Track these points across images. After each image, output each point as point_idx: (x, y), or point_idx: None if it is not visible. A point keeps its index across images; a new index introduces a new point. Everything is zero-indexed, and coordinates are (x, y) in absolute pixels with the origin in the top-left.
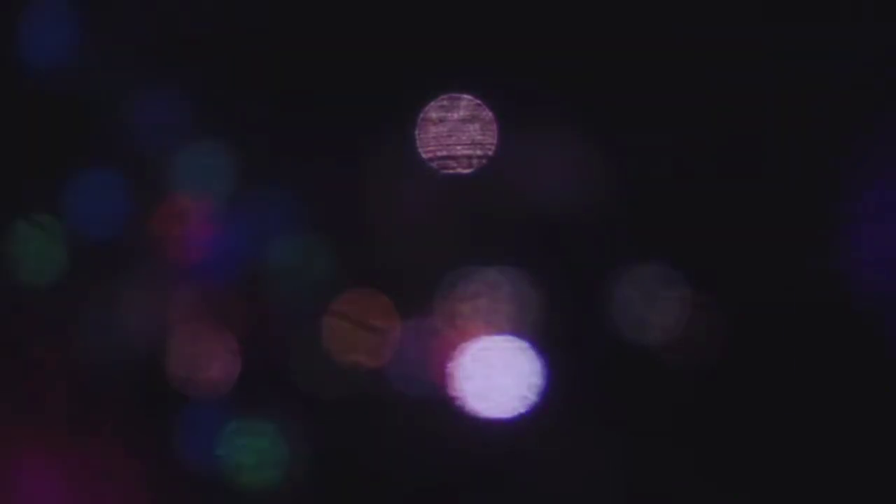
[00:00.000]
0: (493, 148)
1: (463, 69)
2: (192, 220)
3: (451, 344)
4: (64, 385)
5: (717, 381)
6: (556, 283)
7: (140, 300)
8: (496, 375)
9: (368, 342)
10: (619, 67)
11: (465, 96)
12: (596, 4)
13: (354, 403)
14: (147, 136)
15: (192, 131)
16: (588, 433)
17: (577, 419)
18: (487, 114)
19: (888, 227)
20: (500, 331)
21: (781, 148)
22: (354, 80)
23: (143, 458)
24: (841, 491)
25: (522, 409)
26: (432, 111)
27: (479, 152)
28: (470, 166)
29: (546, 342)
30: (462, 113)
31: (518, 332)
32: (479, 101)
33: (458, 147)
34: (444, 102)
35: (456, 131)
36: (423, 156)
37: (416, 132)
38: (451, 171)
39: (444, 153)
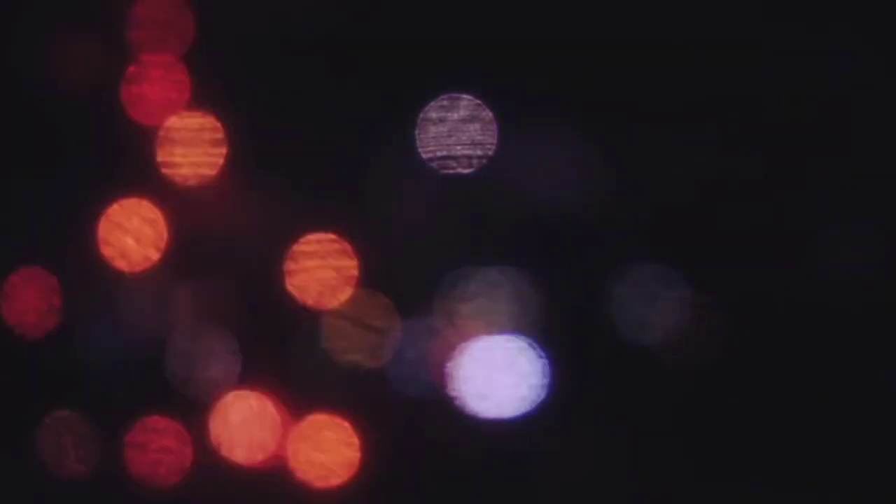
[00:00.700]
0: (493, 148)
1: (463, 69)
2: (192, 220)
3: (451, 344)
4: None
5: (717, 381)
6: (556, 283)
7: (140, 300)
8: (496, 375)
9: (368, 342)
10: (619, 67)
11: (465, 96)
12: (596, 4)
13: (354, 403)
14: (147, 136)
15: (193, 131)
16: (588, 433)
17: (578, 419)
18: (487, 114)
19: (887, 228)
20: (500, 331)
21: (781, 148)
22: (355, 80)
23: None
24: (841, 490)
25: (523, 409)
26: (432, 111)
27: (479, 152)
28: (470, 166)
29: (546, 342)
30: (462, 113)
31: (518, 332)
32: (479, 101)
33: (458, 147)
34: (444, 102)
35: (456, 131)
36: (423, 156)
37: (416, 132)
38: (451, 171)
39: (444, 153)
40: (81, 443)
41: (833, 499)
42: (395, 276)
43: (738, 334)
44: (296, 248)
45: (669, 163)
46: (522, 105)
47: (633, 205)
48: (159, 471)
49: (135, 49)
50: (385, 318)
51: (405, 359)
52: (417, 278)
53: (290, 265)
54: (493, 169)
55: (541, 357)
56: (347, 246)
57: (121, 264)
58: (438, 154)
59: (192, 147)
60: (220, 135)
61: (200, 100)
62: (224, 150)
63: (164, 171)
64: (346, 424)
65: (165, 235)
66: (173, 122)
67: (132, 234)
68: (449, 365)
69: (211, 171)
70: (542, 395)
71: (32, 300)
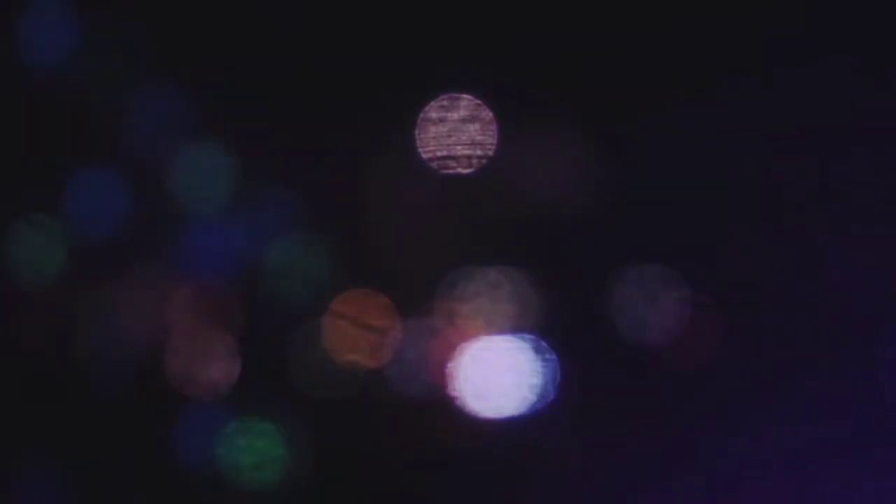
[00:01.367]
0: (493, 148)
1: (463, 69)
2: (192, 221)
3: (451, 344)
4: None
5: (718, 381)
6: (556, 283)
7: (140, 300)
8: (496, 375)
9: (368, 342)
10: (619, 67)
11: (465, 96)
12: (596, 4)
13: (354, 403)
14: (147, 136)
15: (193, 131)
16: (588, 433)
17: (578, 419)
18: (487, 114)
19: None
20: (500, 331)
21: (781, 148)
22: (355, 80)
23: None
24: (840, 490)
25: (523, 409)
26: (432, 111)
27: (479, 152)
28: (470, 166)
29: (546, 342)
30: (462, 113)
31: (518, 332)
32: (479, 101)
33: (458, 147)
34: (444, 102)
35: (456, 131)
36: (423, 156)
37: (416, 132)
38: (451, 171)
39: (444, 153)
40: (81, 443)
41: (833, 498)
42: (395, 276)
43: (738, 334)
44: (295, 247)
45: (669, 163)
46: (522, 105)
47: (633, 205)
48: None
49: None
50: (385, 318)
51: (405, 359)
52: (417, 278)
53: (289, 265)
54: (493, 169)
55: (540, 357)
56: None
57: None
58: (438, 154)
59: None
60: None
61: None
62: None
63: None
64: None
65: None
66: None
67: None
68: (449, 365)
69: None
70: (542, 395)
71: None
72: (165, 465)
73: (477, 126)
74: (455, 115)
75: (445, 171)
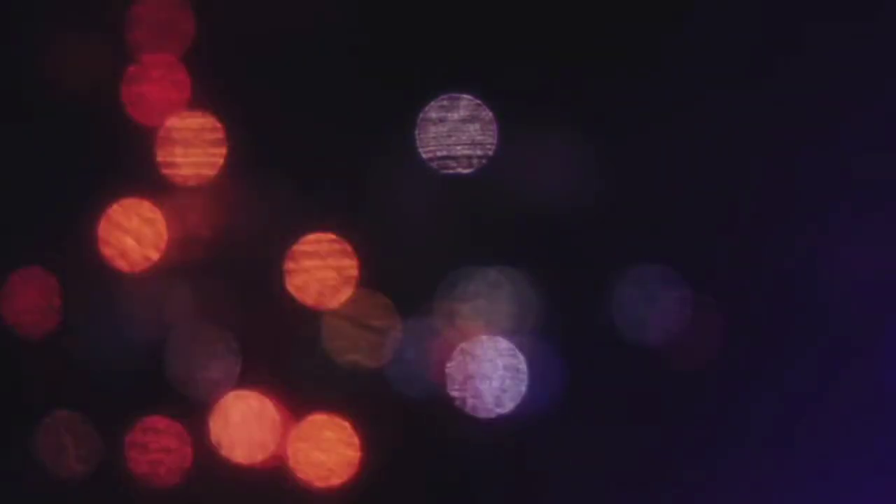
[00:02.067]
0: (493, 148)
1: (463, 69)
2: (192, 220)
3: (451, 344)
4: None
5: (717, 381)
6: (556, 283)
7: (140, 300)
8: (496, 375)
9: (368, 342)
10: (619, 67)
11: (465, 96)
12: (596, 5)
13: (354, 403)
14: (147, 136)
15: (193, 131)
16: (588, 433)
17: (578, 419)
18: (487, 114)
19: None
20: (500, 331)
21: (781, 148)
22: (355, 80)
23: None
24: (841, 490)
25: (522, 409)
26: (432, 111)
27: (479, 152)
28: (470, 166)
29: (546, 342)
30: (462, 113)
31: (518, 332)
32: (479, 101)
33: (458, 147)
34: (444, 102)
35: (456, 131)
36: (423, 156)
37: (416, 132)
38: (451, 171)
39: (444, 153)
40: (81, 443)
41: (833, 498)
42: (395, 276)
43: (738, 334)
44: (296, 248)
45: (669, 162)
46: (522, 105)
47: (633, 205)
48: (160, 471)
49: (135, 49)
50: (385, 318)
51: (405, 359)
52: (417, 278)
53: (290, 265)
54: (493, 169)
55: (541, 357)
56: (347, 246)
57: (121, 264)
58: (438, 154)
59: (192, 147)
60: (220, 135)
61: (200, 100)
62: (224, 151)
63: (164, 171)
64: (346, 424)
65: (165, 235)
66: (173, 122)
67: (132, 234)
68: (449, 365)
69: (211, 171)
70: (542, 395)
71: (32, 300)
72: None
73: (477, 126)
74: (455, 115)
75: (445, 171)
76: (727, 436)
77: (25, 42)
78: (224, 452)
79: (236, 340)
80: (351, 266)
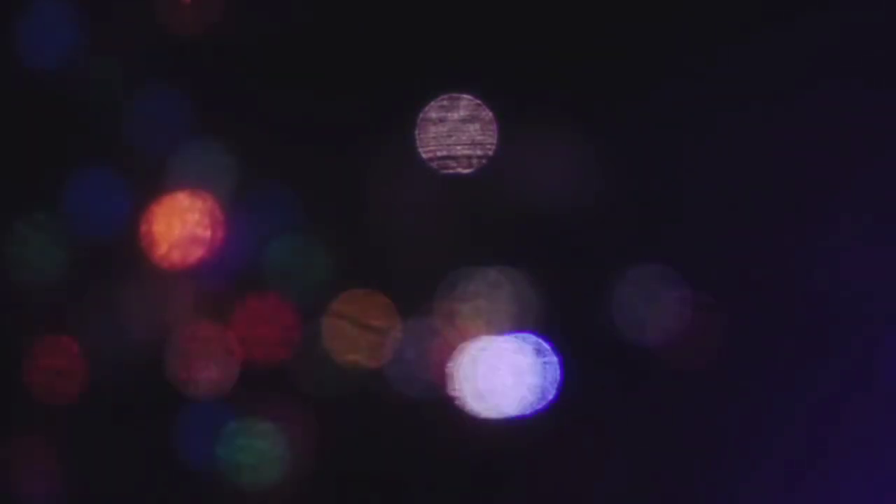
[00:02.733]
0: (493, 148)
1: (463, 69)
2: (192, 220)
3: (451, 344)
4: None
5: (717, 381)
6: (556, 283)
7: (140, 300)
8: (496, 375)
9: (368, 342)
10: (619, 67)
11: (465, 96)
12: (596, 4)
13: (354, 403)
14: (147, 136)
15: (193, 131)
16: (588, 433)
17: (578, 419)
18: (487, 114)
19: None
20: (500, 331)
21: (781, 148)
22: (355, 80)
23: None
24: (840, 490)
25: (523, 409)
26: (432, 111)
27: (479, 152)
28: (470, 166)
29: (546, 342)
30: (462, 113)
31: (518, 332)
32: (479, 101)
33: (458, 147)
34: (444, 102)
35: (456, 131)
36: (423, 156)
37: (416, 132)
38: (451, 171)
39: (444, 153)
40: (81, 442)
41: (833, 498)
42: (395, 276)
43: (738, 334)
44: (295, 247)
45: (669, 162)
46: (522, 105)
47: (634, 205)
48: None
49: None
50: (385, 318)
51: (405, 359)
52: (417, 278)
53: (289, 265)
54: (493, 169)
55: (541, 357)
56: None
57: (124, 263)
58: (438, 154)
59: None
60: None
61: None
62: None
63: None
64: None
65: (165, 235)
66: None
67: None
68: (449, 365)
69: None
70: (542, 395)
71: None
72: (165, 465)
73: (477, 126)
74: (455, 115)
75: (445, 171)
76: (727, 436)
77: (25, 42)
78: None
79: (236, 340)
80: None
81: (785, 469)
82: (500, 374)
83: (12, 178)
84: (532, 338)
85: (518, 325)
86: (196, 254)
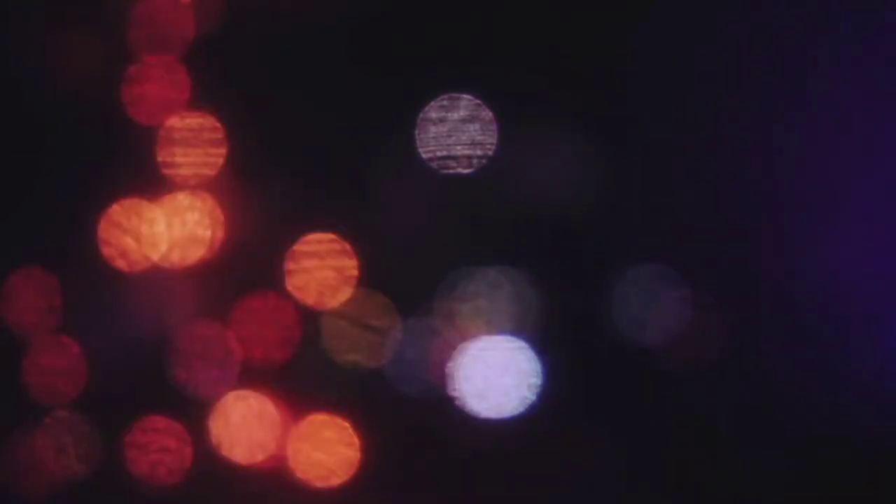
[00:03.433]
0: (493, 148)
1: (463, 69)
2: (192, 220)
3: (450, 344)
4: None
5: (717, 381)
6: (556, 283)
7: (140, 300)
8: (496, 375)
9: (368, 342)
10: (619, 67)
11: (465, 96)
12: (596, 4)
13: (354, 403)
14: (147, 136)
15: (193, 131)
16: (588, 433)
17: (578, 419)
18: (487, 114)
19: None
20: (500, 331)
21: (781, 147)
22: (355, 80)
23: (143, 458)
24: (840, 490)
25: (523, 409)
26: (432, 111)
27: (479, 152)
28: (470, 166)
29: (546, 342)
30: (462, 113)
31: (518, 332)
32: (479, 101)
33: (458, 147)
34: (444, 102)
35: (456, 131)
36: (423, 156)
37: (416, 132)
38: (451, 171)
39: (444, 153)
40: (81, 443)
41: (834, 498)
42: (395, 276)
43: (738, 334)
44: (296, 248)
45: (670, 162)
46: (522, 105)
47: (633, 205)
48: (160, 471)
49: (135, 49)
50: (385, 318)
51: (405, 359)
52: (417, 278)
53: (289, 265)
54: (493, 169)
55: (540, 357)
56: (347, 246)
57: (121, 264)
58: (438, 154)
59: (192, 147)
60: (220, 135)
61: (200, 100)
62: (224, 150)
63: (164, 171)
64: (346, 424)
65: (165, 235)
66: (173, 122)
67: (132, 234)
68: (449, 365)
69: (211, 171)
70: (542, 395)
71: (32, 300)
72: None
73: (477, 126)
74: (455, 115)
75: (445, 171)
76: (727, 436)
77: (25, 41)
78: (224, 452)
79: (236, 340)
80: (351, 266)
81: (785, 469)
82: (501, 373)
83: (12, 178)
84: (532, 338)
85: (518, 325)
86: (196, 254)
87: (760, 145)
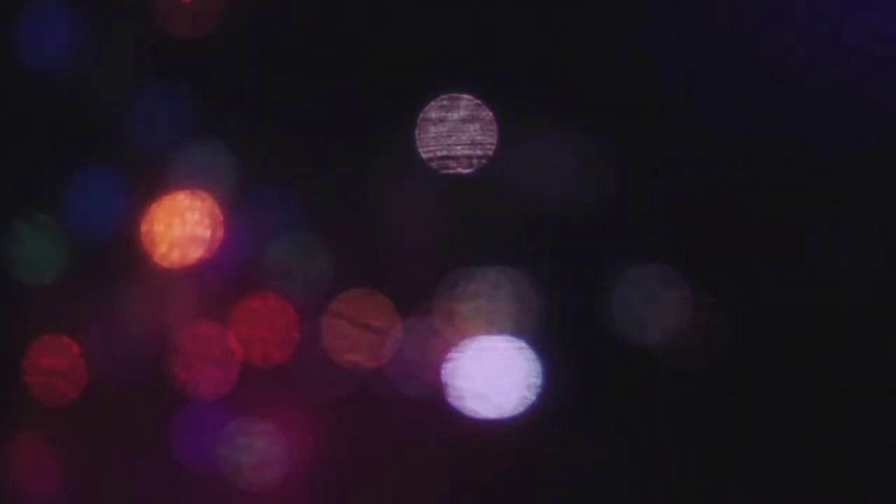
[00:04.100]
0: (493, 148)
1: (463, 69)
2: (192, 220)
3: (451, 344)
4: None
5: (717, 381)
6: (557, 283)
7: (140, 300)
8: (496, 375)
9: (368, 342)
10: (619, 67)
11: (465, 96)
12: (596, 4)
13: (354, 403)
14: (147, 136)
15: (193, 132)
16: (588, 433)
17: (578, 419)
18: (487, 114)
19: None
20: (499, 331)
21: (781, 147)
22: (355, 80)
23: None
24: (841, 491)
25: (523, 409)
26: (432, 111)
27: (479, 152)
28: (470, 166)
29: (546, 342)
30: (462, 113)
31: (518, 332)
32: (479, 101)
33: (458, 147)
34: (444, 102)
35: (456, 131)
36: (423, 156)
37: (416, 132)
38: (451, 171)
39: (444, 153)
40: (82, 443)
41: (834, 499)
42: (395, 276)
43: (738, 334)
44: (295, 248)
45: (669, 163)
46: (522, 105)
47: (634, 205)
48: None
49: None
50: (385, 318)
51: (405, 359)
52: (417, 278)
53: (289, 265)
54: (493, 169)
55: (541, 357)
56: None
57: (121, 264)
58: (438, 154)
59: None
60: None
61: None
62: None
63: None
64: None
65: (167, 235)
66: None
67: (133, 234)
68: (449, 365)
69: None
70: (542, 395)
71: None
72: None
73: (477, 126)
74: (455, 115)
75: (445, 171)
76: (727, 436)
77: (25, 41)
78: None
79: (236, 340)
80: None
81: (785, 469)
82: (500, 374)
83: (12, 178)
84: (531, 338)
85: (518, 325)
86: (196, 254)
87: (761, 145)
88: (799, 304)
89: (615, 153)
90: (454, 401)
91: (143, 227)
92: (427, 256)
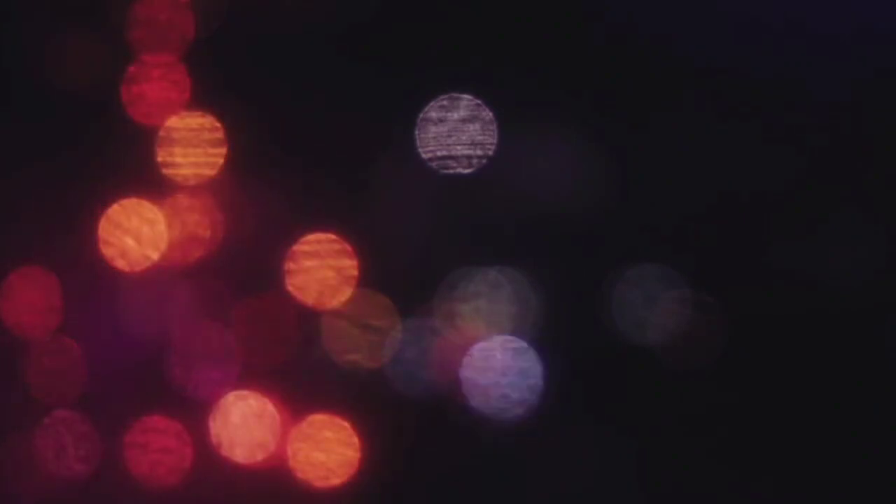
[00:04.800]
0: (493, 148)
1: (463, 69)
2: (192, 220)
3: (451, 344)
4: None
5: (718, 381)
6: (557, 284)
7: (140, 300)
8: (496, 375)
9: (368, 342)
10: (619, 67)
11: (465, 96)
12: (596, 5)
13: (355, 403)
14: (147, 136)
15: (193, 131)
16: (588, 433)
17: (578, 419)
18: (487, 114)
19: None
20: (500, 331)
21: (781, 147)
22: (355, 79)
23: (143, 458)
24: (841, 491)
25: (523, 409)
26: (432, 111)
27: (479, 152)
28: (470, 166)
29: (546, 342)
30: (462, 113)
31: (518, 332)
32: (479, 101)
33: (458, 147)
34: (444, 102)
35: (456, 131)
36: (423, 156)
37: (416, 132)
38: (451, 171)
39: (444, 153)
40: (81, 443)
41: (835, 499)
42: (395, 276)
43: (738, 334)
44: (296, 248)
45: (669, 163)
46: (522, 105)
47: (634, 205)
48: (159, 471)
49: (135, 49)
50: (385, 318)
51: (405, 359)
52: (417, 278)
53: (289, 265)
54: (493, 169)
55: (541, 358)
56: (347, 246)
57: (121, 264)
58: (438, 154)
59: (192, 147)
60: (219, 135)
61: (200, 100)
62: (224, 150)
63: (164, 171)
64: (346, 424)
65: (165, 235)
66: (173, 122)
67: (132, 234)
68: (449, 365)
69: (211, 171)
70: (542, 395)
71: (32, 300)
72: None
73: (477, 126)
74: (455, 115)
75: (445, 171)
76: (727, 436)
77: (25, 41)
78: (224, 452)
79: (236, 340)
80: (351, 266)
81: (785, 469)
82: (501, 374)
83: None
84: (532, 338)
85: (518, 326)
86: (196, 254)
87: (761, 144)
88: (799, 304)
89: (615, 153)
90: (454, 401)
91: (144, 228)
92: (427, 256)
